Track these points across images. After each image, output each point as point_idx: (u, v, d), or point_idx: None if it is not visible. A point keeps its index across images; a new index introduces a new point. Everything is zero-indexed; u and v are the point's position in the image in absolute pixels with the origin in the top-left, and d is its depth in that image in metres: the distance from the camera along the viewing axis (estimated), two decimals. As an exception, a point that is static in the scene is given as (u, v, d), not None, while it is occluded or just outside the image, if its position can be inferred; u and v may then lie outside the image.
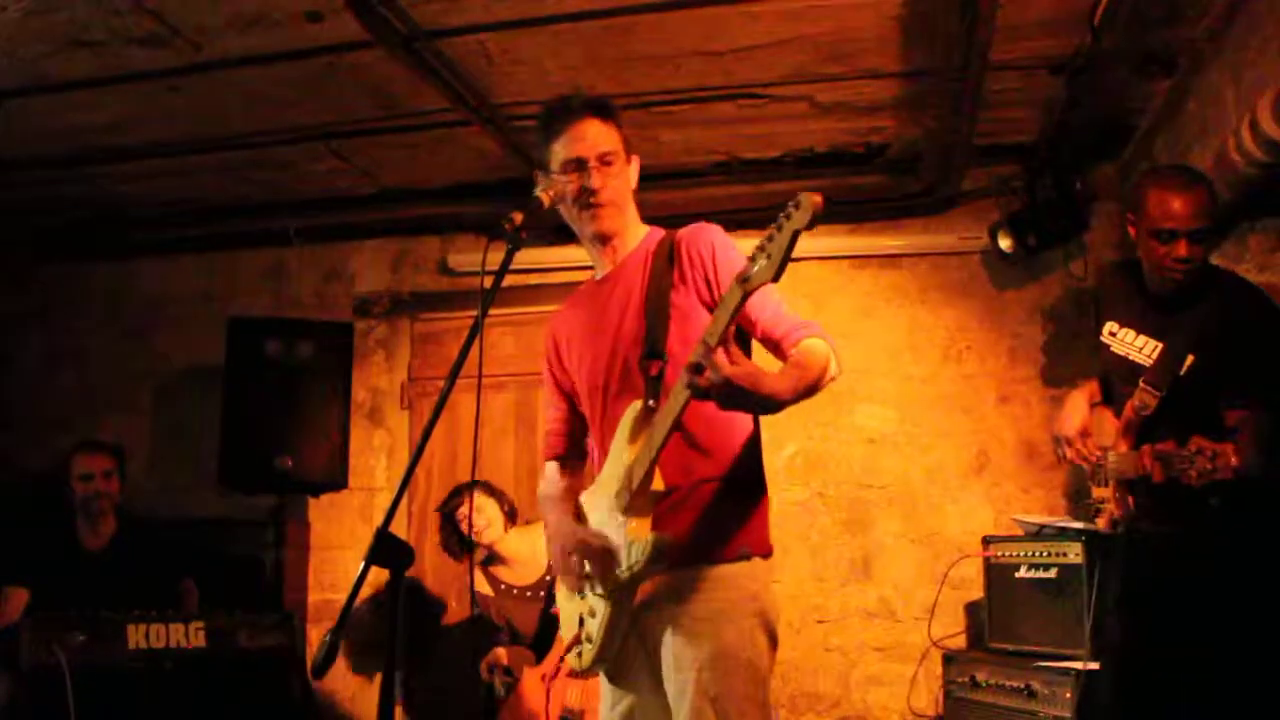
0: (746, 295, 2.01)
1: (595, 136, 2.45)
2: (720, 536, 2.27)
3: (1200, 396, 2.58)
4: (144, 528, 4.49)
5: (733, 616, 2.22)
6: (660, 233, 2.52)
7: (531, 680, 3.78)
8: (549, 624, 3.92)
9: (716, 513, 2.28)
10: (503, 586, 4.27)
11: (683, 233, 2.45)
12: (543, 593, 4.14)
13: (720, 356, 2.01)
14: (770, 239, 1.97)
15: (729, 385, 1.97)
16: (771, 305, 2.31)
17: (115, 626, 3.74)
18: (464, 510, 4.24)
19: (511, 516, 4.33)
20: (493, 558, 4.33)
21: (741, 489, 2.33)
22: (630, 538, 2.20)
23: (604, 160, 2.44)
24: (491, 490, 4.34)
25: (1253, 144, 3.18)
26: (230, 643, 3.95)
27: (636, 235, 2.54)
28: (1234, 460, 2.50)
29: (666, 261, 2.40)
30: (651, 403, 2.28)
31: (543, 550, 4.06)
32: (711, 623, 2.21)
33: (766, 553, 2.34)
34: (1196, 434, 2.61)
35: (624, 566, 2.20)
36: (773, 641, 2.28)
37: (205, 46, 3.75)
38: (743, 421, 2.38)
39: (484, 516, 4.24)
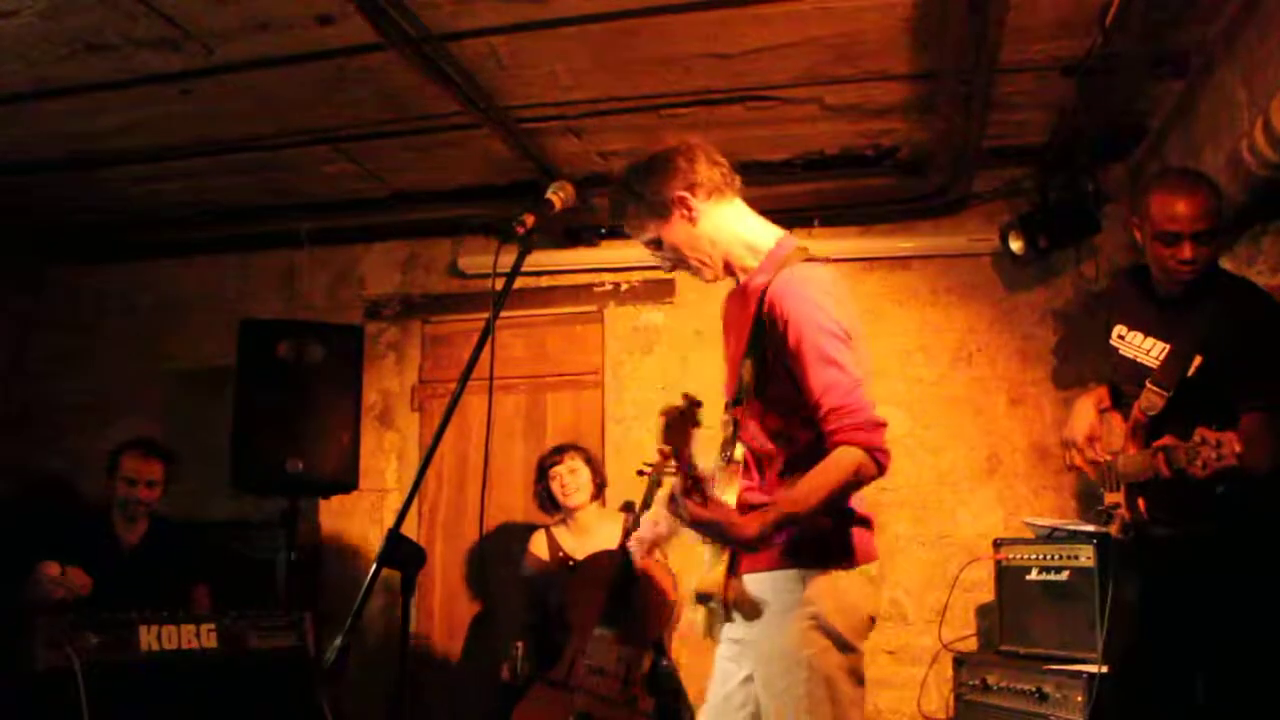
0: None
1: (635, 233, 2.56)
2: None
3: (1208, 397, 2.57)
4: (175, 529, 4.52)
5: (774, 620, 2.35)
6: (781, 256, 2.43)
7: (541, 687, 3.80)
8: (562, 633, 3.93)
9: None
10: (560, 554, 4.29)
11: (773, 290, 2.34)
12: (590, 570, 4.14)
13: (688, 503, 2.25)
14: None
15: (697, 528, 2.22)
16: (819, 391, 2.27)
17: (127, 628, 3.75)
18: (560, 469, 4.31)
19: (600, 490, 4.41)
20: (567, 520, 4.37)
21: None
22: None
23: (652, 245, 2.55)
24: (589, 459, 4.42)
25: (1265, 145, 3.17)
26: (242, 644, 3.95)
27: (754, 253, 2.47)
28: (1238, 447, 2.49)
29: (758, 313, 2.37)
30: (727, 454, 2.43)
31: (608, 535, 4.17)
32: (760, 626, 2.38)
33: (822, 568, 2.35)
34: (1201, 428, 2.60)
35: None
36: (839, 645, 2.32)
37: (217, 50, 3.77)
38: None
39: (577, 480, 4.30)
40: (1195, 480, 2.62)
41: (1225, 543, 2.80)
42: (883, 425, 2.25)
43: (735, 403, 2.43)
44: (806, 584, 2.33)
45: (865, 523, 2.43)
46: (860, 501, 2.42)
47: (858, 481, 2.25)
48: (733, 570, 2.38)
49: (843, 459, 2.22)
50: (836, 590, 2.34)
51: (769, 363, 2.36)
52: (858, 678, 2.35)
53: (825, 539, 2.36)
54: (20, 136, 4.48)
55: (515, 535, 5.07)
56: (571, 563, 4.23)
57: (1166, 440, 2.73)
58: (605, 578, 3.98)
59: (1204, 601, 2.80)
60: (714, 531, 2.28)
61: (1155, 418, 2.84)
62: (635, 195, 2.48)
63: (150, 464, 4.39)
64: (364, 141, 4.63)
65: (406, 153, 4.75)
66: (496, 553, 5.09)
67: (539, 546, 4.40)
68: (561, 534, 4.36)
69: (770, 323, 2.33)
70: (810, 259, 2.42)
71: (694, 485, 2.29)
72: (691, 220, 2.46)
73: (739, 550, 2.34)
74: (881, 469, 2.25)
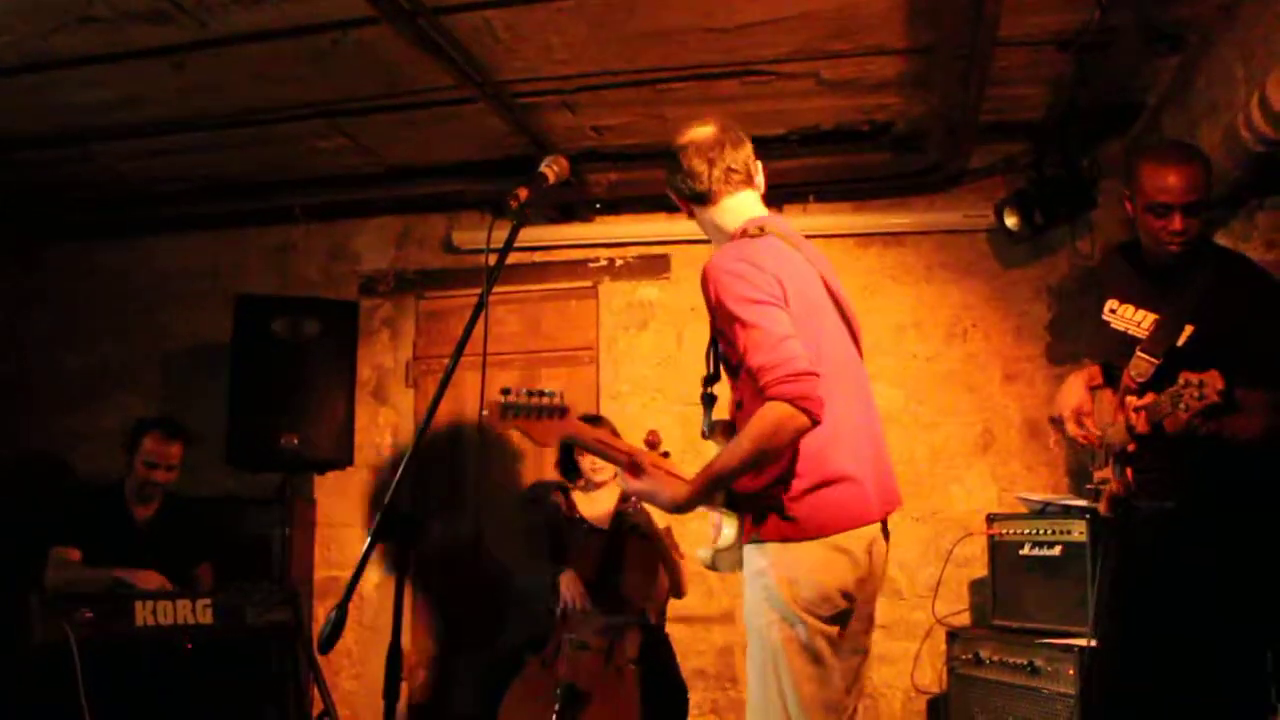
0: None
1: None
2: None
3: (1197, 367, 2.57)
4: (185, 506, 4.54)
5: (746, 590, 2.49)
6: (734, 236, 2.64)
7: (533, 666, 3.81)
8: (554, 609, 3.95)
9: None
10: (576, 514, 4.30)
11: (704, 272, 2.53)
12: (597, 532, 4.16)
13: (626, 476, 2.58)
14: None
15: (638, 496, 2.53)
16: (746, 355, 2.36)
17: (123, 603, 3.77)
18: None
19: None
20: (588, 489, 4.37)
21: (767, 483, 2.44)
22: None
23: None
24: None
25: (1262, 121, 3.18)
26: (237, 619, 3.98)
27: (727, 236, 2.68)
28: (1219, 384, 2.49)
29: (704, 296, 2.55)
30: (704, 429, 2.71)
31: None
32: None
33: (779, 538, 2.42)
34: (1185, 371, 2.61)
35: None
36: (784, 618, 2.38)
37: (210, 22, 3.74)
38: None
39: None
40: (1172, 438, 2.63)
41: (1214, 516, 2.81)
42: (810, 374, 2.27)
43: (710, 380, 2.64)
44: (766, 555, 2.42)
45: (841, 486, 2.42)
46: (840, 462, 2.42)
47: (783, 434, 2.28)
48: (738, 542, 2.51)
49: (765, 414, 2.27)
50: (788, 562, 2.40)
51: (719, 339, 2.55)
52: (812, 652, 2.36)
53: (782, 509, 2.42)
54: (9, 111, 4.45)
55: (510, 510, 5.09)
56: (587, 524, 4.25)
57: (1148, 399, 2.75)
58: (596, 552, 4.01)
59: (1191, 573, 2.82)
60: (649, 498, 2.55)
61: (1144, 385, 2.84)
62: (674, 188, 2.74)
63: (171, 447, 4.39)
64: (359, 116, 4.61)
65: (401, 127, 4.73)
66: (491, 527, 5.10)
67: (557, 503, 4.40)
68: (580, 499, 4.36)
69: (707, 303, 2.50)
70: (760, 233, 2.55)
71: (633, 463, 2.56)
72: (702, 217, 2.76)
73: (672, 512, 2.53)
74: (812, 417, 2.27)
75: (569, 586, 3.98)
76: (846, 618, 2.42)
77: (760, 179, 2.73)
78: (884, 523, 2.53)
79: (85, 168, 5.14)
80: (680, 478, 2.51)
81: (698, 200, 2.68)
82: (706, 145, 2.64)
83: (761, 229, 2.57)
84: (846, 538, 2.40)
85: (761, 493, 2.44)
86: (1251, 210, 4.03)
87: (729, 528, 2.56)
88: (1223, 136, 3.45)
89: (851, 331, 2.67)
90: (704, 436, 2.69)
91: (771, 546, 2.41)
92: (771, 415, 2.26)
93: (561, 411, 2.59)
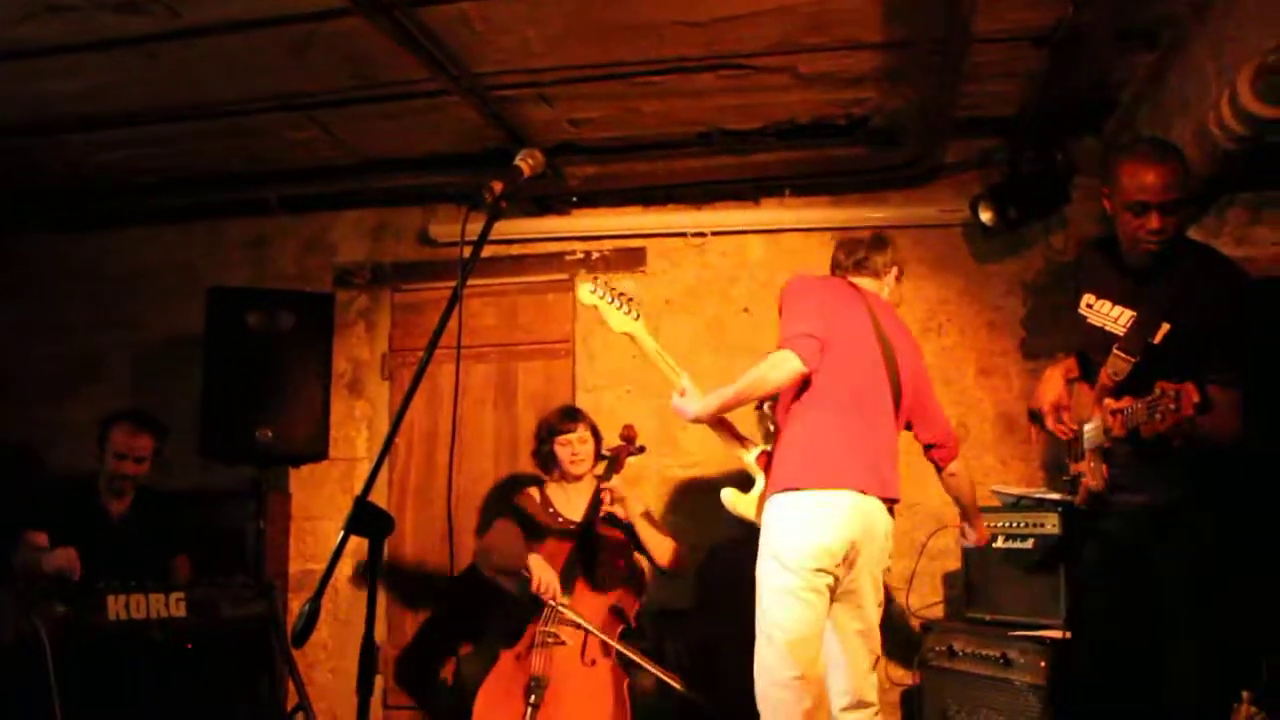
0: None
1: None
2: None
3: (1173, 365, 2.59)
4: (159, 499, 4.50)
5: None
6: None
7: (507, 660, 3.81)
8: (530, 605, 3.93)
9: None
10: (550, 510, 4.28)
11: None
12: (569, 530, 4.15)
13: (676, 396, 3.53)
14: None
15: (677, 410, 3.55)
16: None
17: (96, 597, 3.74)
18: (572, 437, 4.28)
19: (597, 460, 4.38)
20: (563, 482, 4.35)
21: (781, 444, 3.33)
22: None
23: None
24: (594, 429, 4.40)
25: (1232, 118, 3.20)
26: (212, 612, 3.95)
27: None
28: (1195, 397, 2.51)
29: None
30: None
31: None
32: None
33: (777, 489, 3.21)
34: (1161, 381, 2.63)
35: None
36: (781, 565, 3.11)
37: (183, 12, 3.71)
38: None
39: (586, 449, 4.30)
40: (1147, 442, 2.65)
41: (1185, 511, 2.84)
42: (811, 337, 3.17)
43: None
44: (770, 505, 3.20)
45: (829, 446, 3.18)
46: (828, 426, 3.20)
47: (780, 369, 3.15)
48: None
49: (771, 353, 3.21)
50: (777, 513, 3.17)
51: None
52: (793, 597, 3.06)
53: (781, 463, 3.25)
54: (-22, 99, 4.40)
55: (485, 502, 5.09)
56: (561, 520, 4.24)
57: (1125, 402, 2.77)
58: (571, 547, 4.00)
59: (1164, 567, 2.85)
60: (683, 407, 3.45)
61: (1121, 383, 2.86)
62: None
63: (140, 438, 4.35)
64: (334, 108, 4.58)
65: (377, 120, 4.70)
66: (466, 520, 5.09)
67: (530, 497, 4.39)
68: (555, 493, 4.35)
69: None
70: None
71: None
72: None
73: (692, 421, 3.46)
74: (804, 359, 3.13)
75: (541, 568, 3.96)
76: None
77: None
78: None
79: (55, 159, 5.10)
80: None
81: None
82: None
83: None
84: (843, 495, 3.14)
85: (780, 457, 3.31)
86: (1222, 206, 4.06)
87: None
88: (1195, 133, 3.47)
89: (896, 376, 3.33)
90: (756, 409, 3.74)
91: (774, 496, 3.21)
92: (774, 354, 3.18)
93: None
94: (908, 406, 3.42)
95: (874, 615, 3.26)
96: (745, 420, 3.83)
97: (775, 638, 3.08)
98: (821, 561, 3.08)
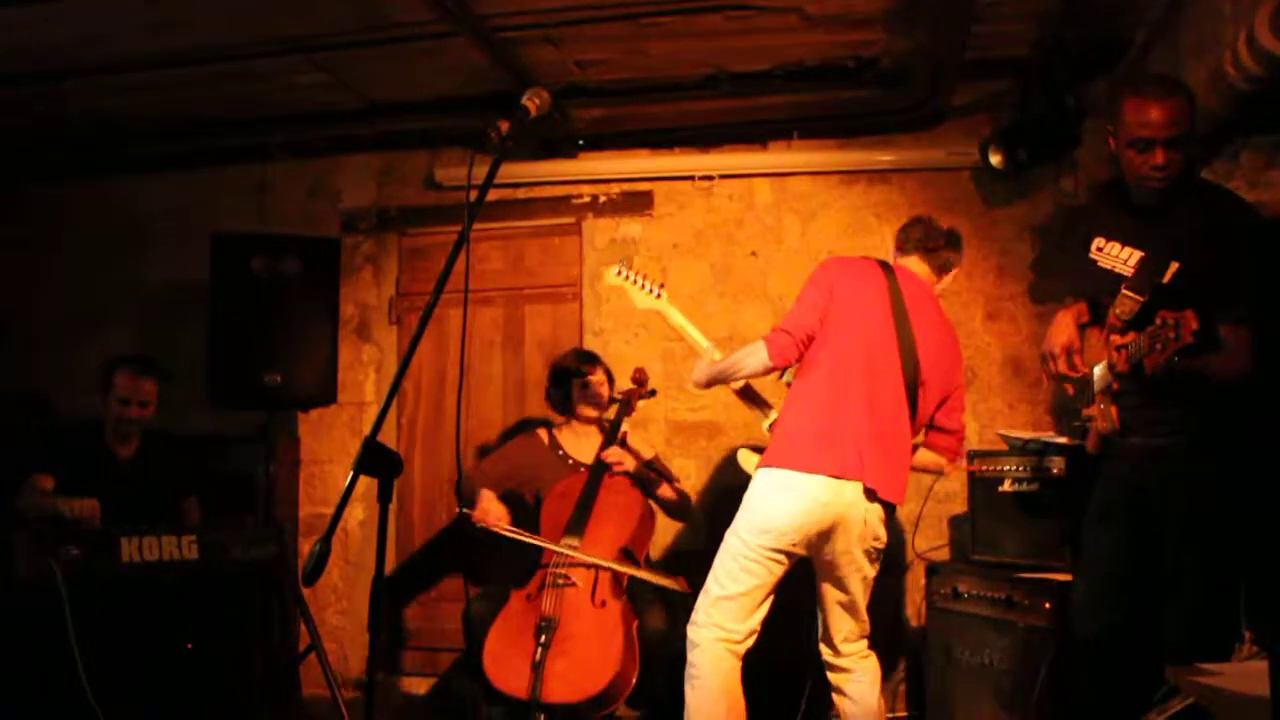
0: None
1: None
2: None
3: (1183, 303, 2.57)
4: (167, 441, 4.54)
5: None
6: None
7: (517, 600, 3.84)
8: (536, 552, 3.96)
9: None
10: (560, 452, 4.32)
11: None
12: (582, 468, 4.20)
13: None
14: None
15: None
16: None
17: (109, 539, 3.78)
18: (592, 379, 4.30)
19: (610, 402, 4.39)
20: (574, 424, 4.37)
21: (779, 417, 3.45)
22: None
23: None
24: (608, 372, 4.42)
25: (1249, 58, 3.15)
26: (223, 555, 3.99)
27: None
28: (1194, 324, 2.50)
29: None
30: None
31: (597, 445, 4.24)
32: None
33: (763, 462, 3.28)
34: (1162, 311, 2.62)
35: None
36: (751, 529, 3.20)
37: (183, -46, 3.67)
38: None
39: (603, 391, 4.33)
40: (1154, 378, 2.65)
41: (1198, 452, 2.84)
42: (786, 334, 3.28)
43: None
44: (755, 474, 3.30)
45: (809, 427, 3.22)
46: (817, 408, 3.24)
47: (752, 359, 3.30)
48: None
49: (754, 343, 3.33)
50: (753, 484, 3.27)
51: None
52: (736, 562, 3.18)
53: (772, 437, 3.35)
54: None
55: (493, 445, 5.11)
56: (571, 460, 4.27)
57: (1129, 338, 2.75)
58: (580, 487, 4.02)
59: (1174, 509, 2.85)
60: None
61: (1129, 323, 2.84)
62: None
63: (143, 383, 4.37)
64: (337, 51, 4.52)
65: (381, 63, 4.65)
66: (475, 462, 5.11)
67: (541, 439, 4.41)
68: (564, 435, 4.37)
69: None
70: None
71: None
72: None
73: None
74: (770, 354, 3.26)
75: (488, 500, 4.08)
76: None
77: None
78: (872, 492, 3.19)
79: (55, 107, 5.05)
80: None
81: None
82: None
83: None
84: (811, 479, 3.15)
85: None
86: (1236, 150, 4.01)
87: None
88: (1209, 74, 3.42)
89: (914, 365, 3.32)
90: (779, 377, 3.61)
91: (759, 470, 3.29)
92: (753, 344, 3.32)
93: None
94: (929, 397, 3.40)
95: (858, 590, 3.29)
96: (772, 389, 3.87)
97: (710, 590, 3.23)
98: (773, 541, 3.15)
